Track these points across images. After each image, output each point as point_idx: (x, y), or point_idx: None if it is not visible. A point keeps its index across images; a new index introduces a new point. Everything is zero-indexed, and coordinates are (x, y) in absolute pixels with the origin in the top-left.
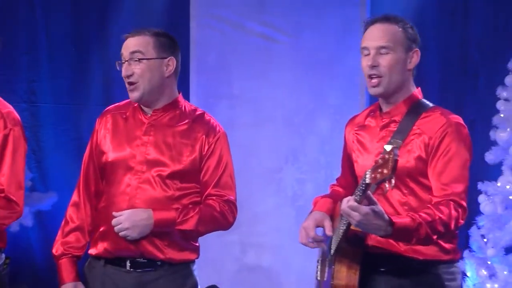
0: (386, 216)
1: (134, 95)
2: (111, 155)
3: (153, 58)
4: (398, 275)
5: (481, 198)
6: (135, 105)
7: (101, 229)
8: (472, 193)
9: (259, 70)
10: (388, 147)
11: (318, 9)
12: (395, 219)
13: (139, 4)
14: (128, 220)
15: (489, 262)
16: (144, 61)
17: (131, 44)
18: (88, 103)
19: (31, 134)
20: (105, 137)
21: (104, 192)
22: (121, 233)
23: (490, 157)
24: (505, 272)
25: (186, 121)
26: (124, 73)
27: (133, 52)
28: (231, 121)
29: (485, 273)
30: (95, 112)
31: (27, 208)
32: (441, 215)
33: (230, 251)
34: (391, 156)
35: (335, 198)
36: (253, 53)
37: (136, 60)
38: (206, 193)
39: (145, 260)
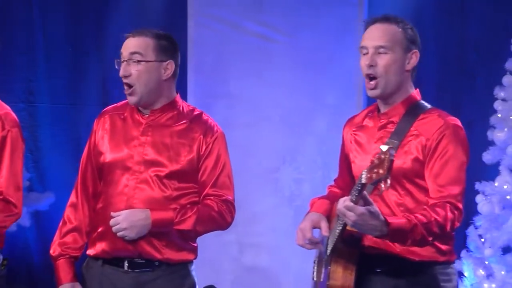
0: (381, 216)
1: (132, 100)
2: (108, 155)
3: (151, 61)
4: (394, 276)
5: (479, 198)
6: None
7: (99, 229)
8: (469, 193)
9: (256, 69)
10: (384, 147)
11: (316, 9)
12: (391, 219)
13: (137, 3)
14: (126, 220)
15: (486, 262)
16: (143, 63)
17: (131, 44)
18: (86, 103)
19: (28, 134)
20: (103, 138)
21: (102, 192)
22: (119, 233)
23: (487, 157)
24: (503, 272)
25: (184, 121)
26: (121, 73)
27: (132, 53)
28: (229, 121)
29: (482, 273)
30: (92, 112)
31: (24, 208)
32: (437, 217)
33: (228, 251)
34: (387, 156)
35: (332, 199)
36: (250, 53)
37: (134, 61)
38: (204, 193)
39: (143, 261)
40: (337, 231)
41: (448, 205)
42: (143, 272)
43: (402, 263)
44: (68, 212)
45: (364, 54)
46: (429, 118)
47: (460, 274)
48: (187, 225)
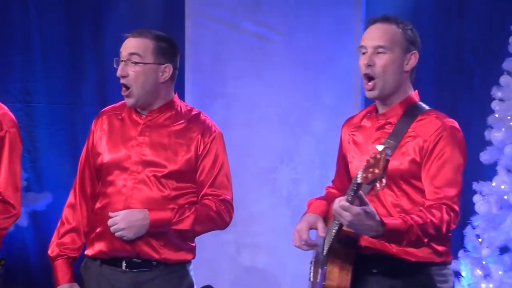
0: (377, 216)
1: (129, 102)
2: (106, 156)
3: (149, 63)
4: (390, 277)
5: (476, 198)
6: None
7: (97, 229)
8: (467, 193)
9: (254, 69)
10: (380, 147)
11: (313, 9)
12: (387, 220)
13: (135, 3)
14: (124, 220)
15: (484, 262)
16: (141, 64)
17: (131, 45)
18: (83, 103)
19: (25, 134)
20: (101, 139)
21: (100, 193)
22: (117, 234)
23: (485, 157)
24: (500, 272)
25: (182, 121)
26: (119, 72)
27: (131, 54)
28: (226, 120)
29: (480, 273)
30: (89, 112)
31: (22, 208)
32: (432, 218)
33: (226, 251)
34: (382, 156)
35: (330, 200)
36: (248, 53)
37: (132, 62)
38: (202, 193)
39: (141, 260)
40: (333, 231)
41: (444, 207)
42: (141, 272)
43: (398, 264)
44: (66, 212)
45: (363, 54)
46: (427, 119)
47: (458, 274)
48: (185, 225)
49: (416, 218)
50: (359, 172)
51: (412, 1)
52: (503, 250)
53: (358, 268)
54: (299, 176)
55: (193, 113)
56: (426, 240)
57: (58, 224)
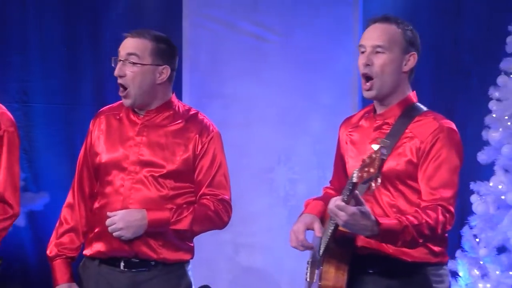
0: (372, 216)
1: (126, 102)
2: (104, 156)
3: (147, 64)
4: (386, 277)
5: (473, 198)
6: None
7: (96, 229)
8: (464, 193)
9: (251, 69)
10: (375, 147)
11: (310, 8)
12: (382, 220)
13: (132, 4)
14: (122, 220)
15: (481, 262)
16: (138, 65)
17: (129, 45)
18: (80, 103)
19: (23, 134)
20: (99, 138)
21: (98, 193)
22: (115, 233)
23: (482, 157)
24: (497, 272)
25: (180, 121)
26: (116, 72)
27: (129, 54)
28: (224, 120)
29: (477, 273)
30: (87, 112)
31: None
32: (428, 219)
33: (223, 251)
34: (378, 155)
35: (327, 200)
36: (246, 53)
37: (130, 63)
38: (200, 192)
39: (139, 260)
40: (329, 231)
41: (439, 208)
42: (139, 271)
43: (394, 264)
44: (64, 212)
45: (362, 53)
46: (424, 120)
47: (455, 274)
48: (183, 225)
49: (411, 218)
50: (355, 171)
51: (410, 1)
52: (501, 250)
53: (354, 268)
54: (296, 176)
55: (191, 113)
56: (421, 240)
57: (57, 224)
